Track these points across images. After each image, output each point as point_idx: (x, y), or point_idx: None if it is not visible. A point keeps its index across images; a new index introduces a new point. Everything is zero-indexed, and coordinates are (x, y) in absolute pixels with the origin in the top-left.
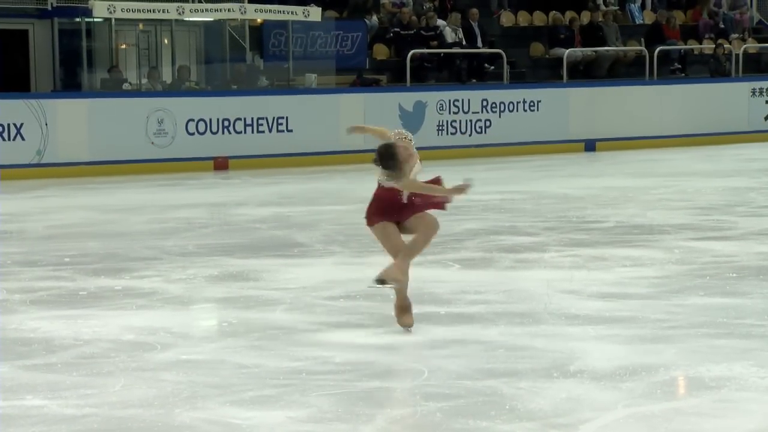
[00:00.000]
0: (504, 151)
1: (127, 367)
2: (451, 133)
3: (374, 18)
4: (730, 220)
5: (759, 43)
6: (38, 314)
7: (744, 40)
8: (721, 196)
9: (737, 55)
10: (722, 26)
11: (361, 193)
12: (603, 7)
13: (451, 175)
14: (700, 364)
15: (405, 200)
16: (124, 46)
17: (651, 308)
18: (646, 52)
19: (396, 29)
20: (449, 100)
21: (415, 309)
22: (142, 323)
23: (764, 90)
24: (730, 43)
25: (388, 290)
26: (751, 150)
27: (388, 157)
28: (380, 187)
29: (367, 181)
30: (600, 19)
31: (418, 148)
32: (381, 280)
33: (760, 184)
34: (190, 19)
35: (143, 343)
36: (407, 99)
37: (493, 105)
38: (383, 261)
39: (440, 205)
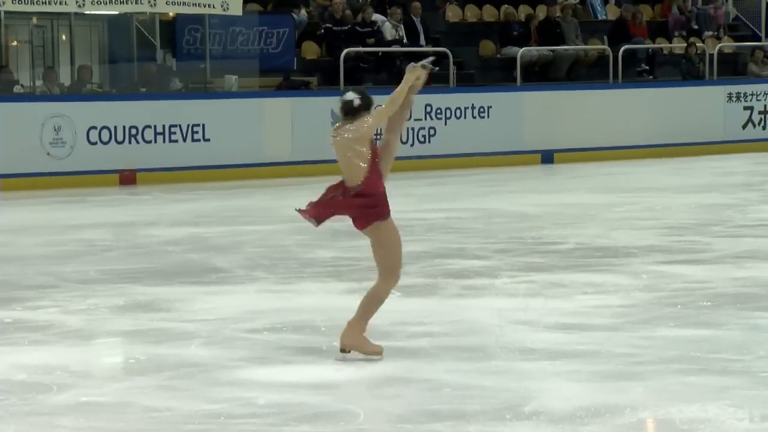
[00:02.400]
0: (450, 164)
1: (19, 411)
2: None
3: (303, 12)
4: (703, 242)
5: (735, 41)
6: None
7: (719, 39)
8: (693, 214)
9: (711, 55)
10: (694, 23)
11: (288, 211)
12: (561, 1)
13: (389, 190)
14: (671, 404)
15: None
16: (15, 43)
17: (615, 341)
18: (609, 52)
19: (328, 25)
20: None
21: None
22: (36, 361)
23: (742, 95)
24: (703, 41)
25: (319, 322)
26: (728, 162)
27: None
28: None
29: (294, 197)
30: (558, 15)
31: None
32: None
33: (738, 200)
34: (92, 12)
35: (37, 384)
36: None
37: (438, 111)
38: (313, 288)
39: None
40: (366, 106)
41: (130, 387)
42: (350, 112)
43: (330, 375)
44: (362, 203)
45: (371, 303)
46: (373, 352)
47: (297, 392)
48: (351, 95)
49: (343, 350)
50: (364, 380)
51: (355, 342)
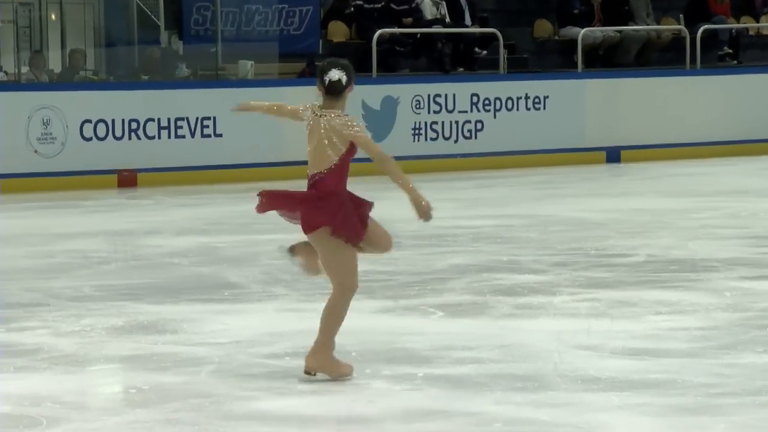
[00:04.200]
0: (500, 163)
1: None
2: (431, 139)
3: None
4: None
5: None
6: None
7: None
8: None
9: None
10: None
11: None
12: None
13: (430, 194)
14: None
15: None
16: None
17: (693, 369)
18: (686, 33)
19: (358, 2)
20: (428, 96)
21: (386, 370)
22: (23, 390)
23: None
24: None
25: (348, 347)
26: None
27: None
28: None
29: None
30: None
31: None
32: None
33: None
34: None
35: (24, 417)
36: (373, 94)
37: (486, 102)
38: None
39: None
40: (350, 81)
41: (130, 421)
42: (338, 92)
43: (361, 407)
44: (315, 197)
45: (331, 319)
46: (342, 374)
47: (323, 427)
48: (337, 73)
49: (307, 372)
50: (400, 414)
51: (320, 363)
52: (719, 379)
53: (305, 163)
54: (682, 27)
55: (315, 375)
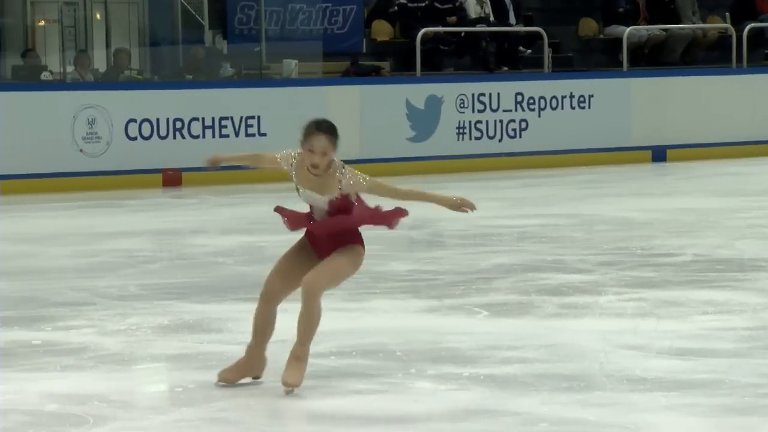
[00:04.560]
0: (545, 162)
1: None
2: (476, 138)
3: None
4: None
5: None
6: None
7: None
8: None
9: None
10: None
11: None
12: None
13: (474, 193)
14: None
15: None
16: (42, 23)
17: (741, 369)
18: (732, 32)
19: (402, 1)
20: (472, 95)
21: (431, 369)
22: (69, 389)
23: None
24: None
25: (393, 346)
26: None
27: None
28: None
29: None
30: None
31: (430, 158)
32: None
33: None
34: None
35: (70, 415)
36: (417, 93)
37: (531, 101)
38: (386, 306)
39: (388, 220)
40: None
41: (176, 420)
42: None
43: (406, 407)
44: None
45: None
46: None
47: (368, 426)
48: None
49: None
50: (446, 413)
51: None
52: (767, 379)
53: (347, 162)
54: (728, 25)
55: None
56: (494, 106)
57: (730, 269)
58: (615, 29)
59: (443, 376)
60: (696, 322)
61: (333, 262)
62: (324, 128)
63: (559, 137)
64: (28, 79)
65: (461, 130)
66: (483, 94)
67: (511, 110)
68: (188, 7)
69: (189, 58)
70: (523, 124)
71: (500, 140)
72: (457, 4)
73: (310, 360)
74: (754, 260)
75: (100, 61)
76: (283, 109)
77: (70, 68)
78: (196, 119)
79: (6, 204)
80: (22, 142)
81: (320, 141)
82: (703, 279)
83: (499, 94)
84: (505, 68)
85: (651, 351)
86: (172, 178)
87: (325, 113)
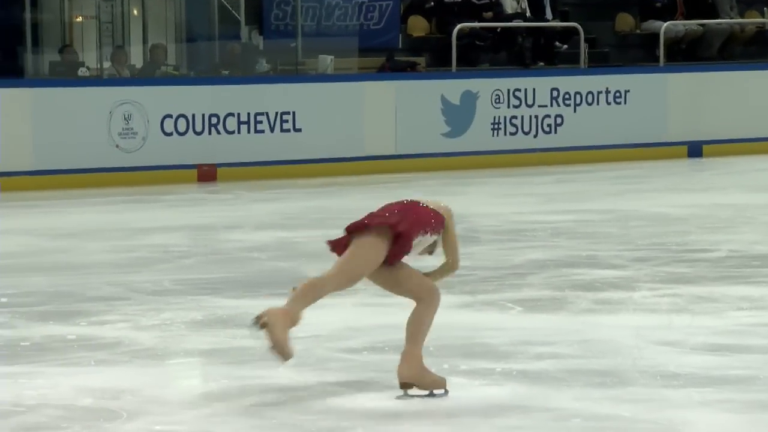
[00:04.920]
0: (580, 157)
1: None
2: (511, 133)
3: None
4: None
5: None
6: None
7: None
8: None
9: None
10: None
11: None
12: None
13: (509, 189)
14: None
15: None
16: (80, 19)
17: None
18: None
19: None
20: (508, 90)
21: (464, 365)
22: (103, 383)
23: None
24: None
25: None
26: None
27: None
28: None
29: (397, 197)
30: None
31: (465, 153)
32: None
33: None
34: None
35: (104, 410)
36: (452, 88)
37: (566, 96)
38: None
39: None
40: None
41: (209, 414)
42: None
43: (440, 402)
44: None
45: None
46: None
47: (401, 422)
48: None
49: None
50: (479, 409)
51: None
52: None
53: (384, 158)
54: (766, 20)
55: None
56: (530, 102)
57: (765, 265)
58: (652, 24)
59: (476, 371)
60: (731, 318)
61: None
62: None
63: (595, 133)
64: (66, 75)
65: (496, 126)
66: (518, 90)
67: (546, 105)
68: (225, 2)
69: (225, 54)
70: (559, 120)
71: (535, 136)
72: None
73: (343, 355)
74: None
75: (136, 56)
76: (318, 105)
77: (106, 64)
78: (232, 115)
79: (43, 199)
80: (58, 138)
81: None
82: (739, 275)
83: (534, 89)
84: (541, 63)
85: (685, 347)
86: (207, 174)
87: (360, 109)
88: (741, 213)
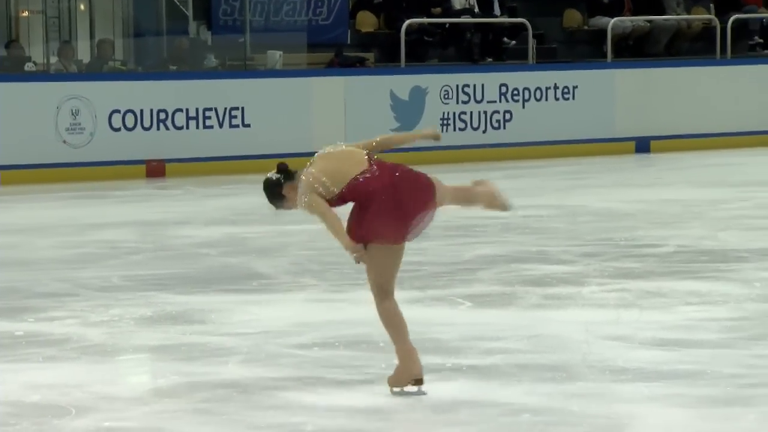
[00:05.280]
0: (529, 153)
1: None
2: (460, 129)
3: None
4: None
5: None
6: None
7: None
8: None
9: None
10: None
11: (342, 208)
12: None
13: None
14: None
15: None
16: (26, 14)
17: (723, 360)
18: (716, 23)
19: None
20: (457, 86)
21: None
22: (52, 380)
23: None
24: None
25: (377, 337)
26: None
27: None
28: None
29: None
30: None
31: (414, 149)
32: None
33: None
34: None
35: (53, 407)
36: (401, 84)
37: (515, 92)
38: (370, 297)
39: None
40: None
41: (159, 411)
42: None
43: (390, 398)
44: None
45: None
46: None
47: (352, 418)
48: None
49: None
50: (429, 404)
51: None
52: (749, 370)
53: None
54: (712, 16)
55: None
56: (478, 98)
57: (713, 260)
58: (599, 20)
59: (426, 366)
60: (679, 312)
61: None
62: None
63: (544, 128)
64: (12, 70)
65: (445, 121)
66: (467, 85)
67: (495, 101)
68: None
69: (173, 49)
70: (507, 115)
71: (485, 131)
72: None
73: (293, 351)
74: (738, 251)
75: (83, 52)
76: (267, 101)
77: (53, 59)
78: (180, 110)
79: None
80: (5, 133)
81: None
82: (687, 270)
83: (483, 85)
84: (490, 59)
85: (634, 342)
86: (155, 169)
87: (310, 105)
88: (688, 208)
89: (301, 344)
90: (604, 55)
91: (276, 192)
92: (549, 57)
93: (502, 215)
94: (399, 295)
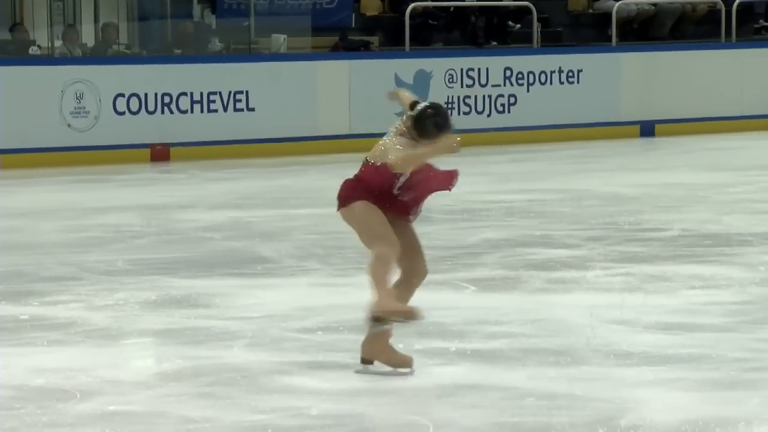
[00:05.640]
0: (533, 137)
1: (37, 421)
2: (464, 113)
3: None
4: None
5: None
6: None
7: None
8: None
9: None
10: None
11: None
12: None
13: (462, 168)
14: None
15: (396, 190)
16: None
17: (728, 344)
18: (722, 6)
19: None
20: (461, 69)
21: (418, 344)
22: (56, 364)
23: None
24: None
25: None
26: None
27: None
28: (367, 166)
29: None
30: None
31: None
32: (377, 318)
33: None
34: None
35: (57, 390)
36: (406, 68)
37: (519, 76)
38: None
39: (444, 183)
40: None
41: (163, 394)
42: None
43: (394, 382)
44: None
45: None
46: (400, 365)
47: (356, 401)
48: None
49: (365, 361)
50: (433, 388)
51: (376, 351)
52: (753, 353)
53: (337, 137)
54: (717, 0)
55: (372, 364)
56: (483, 81)
57: (717, 244)
58: (604, 4)
59: (430, 350)
60: (683, 296)
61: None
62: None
63: (548, 112)
64: (16, 53)
65: (450, 105)
66: (472, 69)
67: (500, 85)
68: None
69: (178, 33)
70: (512, 99)
71: (489, 115)
72: None
73: (297, 335)
74: (742, 235)
75: (88, 35)
76: (271, 85)
77: (58, 43)
78: (185, 94)
79: None
80: (9, 117)
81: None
82: (691, 254)
83: (488, 69)
84: (494, 43)
85: (638, 326)
86: (160, 153)
87: (314, 88)
88: (693, 192)
89: (305, 328)
90: (609, 39)
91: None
92: (554, 40)
93: (507, 199)
94: None
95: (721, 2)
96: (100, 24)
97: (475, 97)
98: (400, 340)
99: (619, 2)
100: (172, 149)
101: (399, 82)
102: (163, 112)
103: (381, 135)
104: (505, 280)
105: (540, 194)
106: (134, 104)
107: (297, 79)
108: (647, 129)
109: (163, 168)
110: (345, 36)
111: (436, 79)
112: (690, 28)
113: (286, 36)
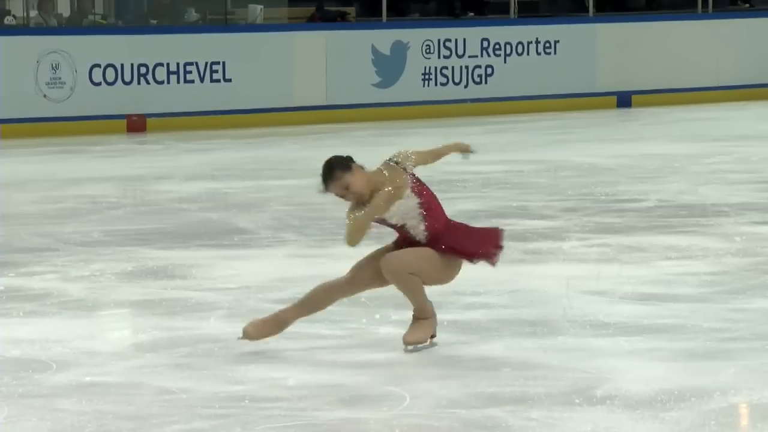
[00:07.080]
0: (510, 108)
1: (13, 392)
2: (441, 84)
3: None
4: None
5: None
6: None
7: None
8: None
9: None
10: None
11: (320, 163)
12: None
13: (439, 139)
14: (767, 387)
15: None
16: None
17: (703, 314)
18: None
19: None
20: (438, 41)
21: (395, 315)
22: (32, 335)
23: None
24: None
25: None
26: None
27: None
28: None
29: (327, 147)
30: None
31: (395, 104)
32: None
33: None
34: None
35: (33, 361)
36: (383, 39)
37: (497, 47)
38: (350, 252)
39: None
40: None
41: (140, 365)
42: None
43: (371, 353)
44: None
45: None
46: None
47: (332, 372)
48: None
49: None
50: (410, 359)
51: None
52: (729, 323)
53: (313, 108)
54: None
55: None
56: (460, 52)
57: (693, 215)
58: None
59: (407, 321)
60: (659, 267)
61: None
62: (326, 180)
63: (525, 83)
64: None
65: (427, 76)
66: (449, 40)
67: (477, 56)
68: None
69: (153, 3)
70: (489, 70)
71: (466, 86)
72: None
73: (274, 306)
74: (718, 206)
75: (63, 5)
76: (248, 56)
77: (33, 13)
78: (161, 65)
79: None
80: None
81: (334, 191)
82: (667, 224)
83: (465, 40)
84: (471, 14)
85: (614, 296)
86: (136, 124)
87: (290, 59)
88: (669, 163)
89: (282, 299)
90: (586, 10)
91: (346, 161)
92: (530, 11)
93: (484, 170)
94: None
95: None
96: None
97: (452, 68)
98: (377, 311)
99: None
100: (148, 120)
101: (376, 53)
102: (139, 82)
103: (357, 106)
104: None
105: (516, 165)
106: (110, 75)
107: (273, 50)
108: (624, 100)
109: (139, 139)
110: (321, 6)
111: (413, 50)
112: None
113: (262, 6)
